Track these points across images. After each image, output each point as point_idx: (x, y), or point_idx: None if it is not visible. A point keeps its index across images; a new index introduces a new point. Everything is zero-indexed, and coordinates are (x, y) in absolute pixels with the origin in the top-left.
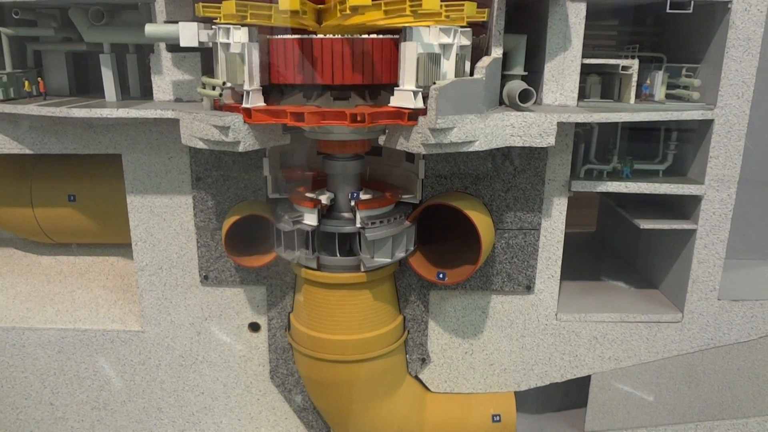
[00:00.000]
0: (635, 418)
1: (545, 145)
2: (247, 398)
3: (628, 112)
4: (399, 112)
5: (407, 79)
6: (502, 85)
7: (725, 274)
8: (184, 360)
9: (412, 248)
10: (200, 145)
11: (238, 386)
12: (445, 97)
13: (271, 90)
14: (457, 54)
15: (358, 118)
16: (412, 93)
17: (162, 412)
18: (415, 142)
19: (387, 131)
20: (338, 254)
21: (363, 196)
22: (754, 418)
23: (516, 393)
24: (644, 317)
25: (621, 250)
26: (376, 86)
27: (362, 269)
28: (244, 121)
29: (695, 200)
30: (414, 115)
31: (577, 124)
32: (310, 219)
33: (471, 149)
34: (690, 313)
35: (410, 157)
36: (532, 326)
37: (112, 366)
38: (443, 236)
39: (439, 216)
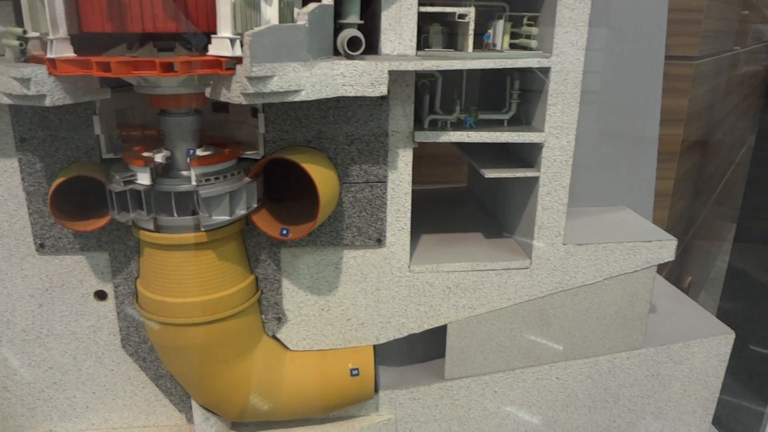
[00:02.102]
0: (492, 363)
1: (377, 95)
2: (99, 370)
3: (461, 60)
4: (216, 61)
5: (223, 26)
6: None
7: (570, 221)
8: (27, 335)
9: (255, 205)
10: (5, 100)
11: (89, 358)
12: (260, 43)
13: (99, 41)
14: (281, 1)
15: (174, 68)
16: (229, 40)
17: (9, 391)
18: (236, 92)
19: (212, 82)
20: (175, 214)
21: (201, 153)
22: (603, 356)
23: (378, 346)
24: (495, 265)
25: (485, 203)
26: (202, 36)
27: (201, 228)
28: (50, 73)
29: (538, 148)
30: (233, 63)
31: (423, 75)
32: (143, 178)
33: (297, 99)
34: (537, 258)
35: (255, 112)
36: (386, 279)
37: None
38: (293, 193)
39: (289, 173)
